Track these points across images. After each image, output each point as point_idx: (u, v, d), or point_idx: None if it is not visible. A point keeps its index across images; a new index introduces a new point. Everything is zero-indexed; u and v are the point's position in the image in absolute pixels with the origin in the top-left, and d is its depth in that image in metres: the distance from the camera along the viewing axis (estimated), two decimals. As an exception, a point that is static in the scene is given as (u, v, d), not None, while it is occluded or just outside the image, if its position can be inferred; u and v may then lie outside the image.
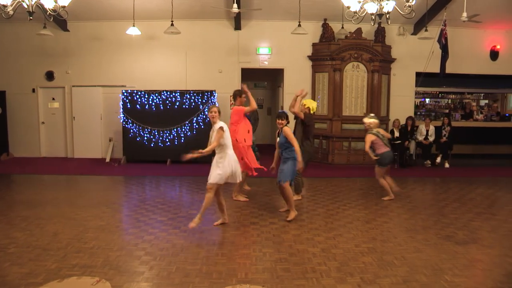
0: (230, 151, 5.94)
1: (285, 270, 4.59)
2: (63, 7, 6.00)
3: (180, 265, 4.70)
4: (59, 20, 10.86)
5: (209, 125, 11.05)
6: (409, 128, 11.75)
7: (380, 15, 6.49)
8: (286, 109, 12.22)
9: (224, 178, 5.84)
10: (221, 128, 5.76)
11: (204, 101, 11.33)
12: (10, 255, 4.92)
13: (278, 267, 4.67)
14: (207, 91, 11.41)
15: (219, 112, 5.91)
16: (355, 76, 11.72)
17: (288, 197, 6.51)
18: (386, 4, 6.37)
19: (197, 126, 11.41)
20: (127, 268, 4.62)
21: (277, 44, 12.37)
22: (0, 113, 12.00)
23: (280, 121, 6.38)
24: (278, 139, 6.54)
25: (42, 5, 5.81)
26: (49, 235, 5.65)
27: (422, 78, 12.22)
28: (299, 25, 10.62)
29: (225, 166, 5.81)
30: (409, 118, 11.87)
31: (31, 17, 5.73)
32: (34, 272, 4.43)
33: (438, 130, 11.77)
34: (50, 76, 12.39)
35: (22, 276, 4.33)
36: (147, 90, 11.51)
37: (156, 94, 11.42)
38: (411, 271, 4.58)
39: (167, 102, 11.43)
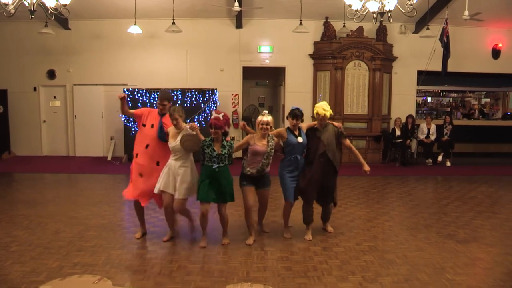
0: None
1: (287, 269, 4.59)
2: (65, 5, 6.02)
3: (181, 264, 4.69)
4: (60, 18, 10.78)
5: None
6: (409, 127, 11.72)
7: (381, 13, 6.47)
8: (287, 106, 12.24)
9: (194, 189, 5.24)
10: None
11: (205, 99, 11.32)
12: (12, 253, 4.92)
13: (279, 266, 4.67)
14: (208, 90, 11.41)
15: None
16: (357, 75, 11.71)
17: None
18: (388, 2, 6.34)
19: (198, 125, 11.32)
20: (128, 267, 4.62)
21: (279, 43, 12.35)
22: (2, 111, 12.02)
23: (295, 122, 5.41)
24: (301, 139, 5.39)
25: (43, 3, 5.81)
26: (51, 234, 5.65)
27: (424, 77, 12.20)
28: (301, 24, 10.62)
29: (193, 172, 5.36)
30: (409, 116, 11.82)
31: (32, 16, 5.73)
32: (36, 270, 4.44)
33: (439, 128, 11.76)
34: (51, 74, 12.40)
35: (24, 274, 4.34)
36: (148, 89, 11.51)
37: (158, 93, 11.40)
38: (412, 269, 4.58)
39: (169, 100, 11.41)
